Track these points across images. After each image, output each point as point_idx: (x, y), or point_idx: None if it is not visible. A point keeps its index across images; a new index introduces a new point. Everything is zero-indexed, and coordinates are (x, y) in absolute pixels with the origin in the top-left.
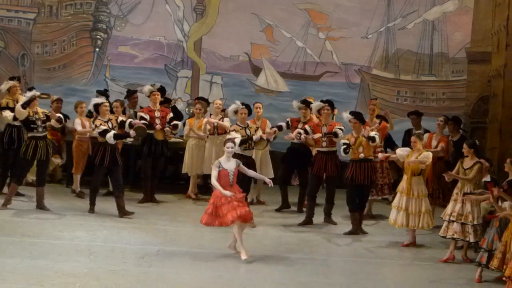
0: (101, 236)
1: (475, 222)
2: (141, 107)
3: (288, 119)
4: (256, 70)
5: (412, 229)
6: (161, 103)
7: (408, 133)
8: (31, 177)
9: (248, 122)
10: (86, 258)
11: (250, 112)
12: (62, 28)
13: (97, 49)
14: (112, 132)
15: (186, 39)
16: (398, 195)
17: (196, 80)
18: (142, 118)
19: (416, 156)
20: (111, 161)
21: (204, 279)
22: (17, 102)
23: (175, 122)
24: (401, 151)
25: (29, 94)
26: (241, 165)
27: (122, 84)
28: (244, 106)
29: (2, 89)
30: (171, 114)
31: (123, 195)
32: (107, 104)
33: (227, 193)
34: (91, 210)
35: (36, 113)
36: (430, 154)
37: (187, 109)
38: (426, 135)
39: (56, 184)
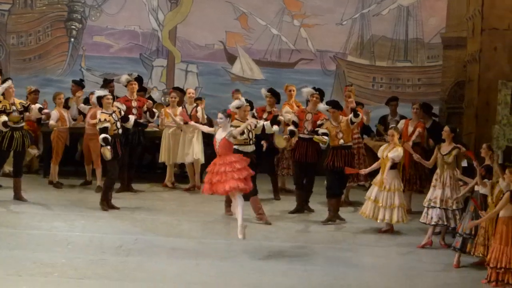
0: (79, 226)
1: (455, 207)
2: (117, 97)
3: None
4: (231, 58)
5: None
6: (137, 91)
7: (383, 119)
8: (7, 167)
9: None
10: (64, 248)
11: (252, 108)
12: (37, 19)
13: (72, 39)
14: (104, 135)
15: (161, 28)
16: (372, 186)
17: (171, 69)
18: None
19: (389, 150)
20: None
21: (182, 268)
22: None
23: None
24: (379, 152)
25: (5, 85)
26: (232, 132)
27: (97, 74)
28: (247, 103)
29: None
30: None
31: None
32: (110, 96)
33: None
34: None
35: (13, 104)
36: (400, 152)
37: (162, 98)
38: (402, 122)
39: (33, 174)
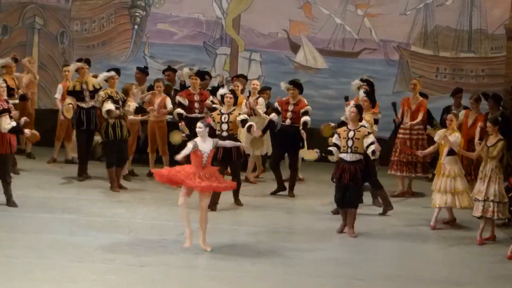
0: (140, 213)
1: (497, 200)
2: (177, 90)
3: (277, 103)
4: (295, 47)
5: (449, 206)
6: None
7: (446, 110)
8: (72, 154)
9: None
10: (125, 235)
11: (236, 101)
12: (101, 6)
13: (136, 27)
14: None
15: (224, 16)
16: (443, 178)
17: (234, 57)
18: (179, 103)
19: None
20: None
21: (242, 256)
22: (86, 84)
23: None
24: (437, 136)
25: (109, 74)
26: (219, 142)
27: (161, 61)
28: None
29: (71, 69)
30: (211, 98)
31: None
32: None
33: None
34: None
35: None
36: (458, 138)
37: (226, 87)
38: (463, 112)
39: (96, 161)
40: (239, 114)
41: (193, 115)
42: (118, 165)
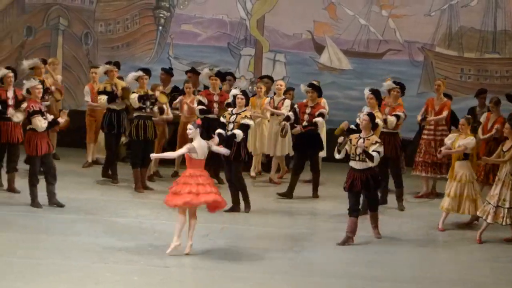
0: (165, 215)
1: (507, 205)
2: (199, 90)
3: (296, 105)
4: (319, 48)
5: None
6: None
7: (471, 111)
8: (97, 155)
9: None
10: (150, 236)
11: (247, 102)
12: (125, 7)
13: (160, 28)
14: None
15: (249, 17)
16: (454, 183)
17: (259, 58)
18: (200, 102)
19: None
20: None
21: (271, 257)
22: (115, 86)
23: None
24: (448, 140)
25: (137, 74)
26: (213, 146)
27: (185, 62)
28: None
29: (100, 72)
30: (230, 99)
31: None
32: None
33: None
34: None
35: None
36: (473, 141)
37: (250, 87)
38: (484, 115)
39: (120, 162)
40: (245, 116)
41: (211, 115)
42: (143, 166)
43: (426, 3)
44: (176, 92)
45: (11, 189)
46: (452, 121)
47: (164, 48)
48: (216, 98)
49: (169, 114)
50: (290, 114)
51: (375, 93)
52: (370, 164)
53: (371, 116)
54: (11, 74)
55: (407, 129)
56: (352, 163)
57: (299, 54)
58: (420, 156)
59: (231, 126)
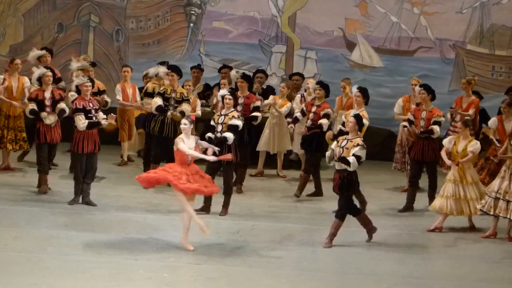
0: (196, 211)
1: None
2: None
3: (303, 105)
4: (351, 45)
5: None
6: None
7: (484, 112)
8: (128, 152)
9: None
10: (180, 233)
11: (236, 103)
12: (156, 4)
13: (191, 25)
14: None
15: (280, 14)
16: (447, 184)
17: (290, 55)
18: None
19: (465, 144)
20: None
21: (300, 254)
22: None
23: (255, 114)
24: (449, 143)
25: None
26: (199, 141)
27: (216, 59)
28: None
29: (152, 73)
30: (257, 103)
31: None
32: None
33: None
34: None
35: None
36: (478, 145)
37: (282, 84)
38: (494, 120)
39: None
40: (233, 117)
41: None
42: (168, 161)
43: (457, 1)
44: (208, 90)
45: (43, 188)
46: (482, 118)
47: (195, 45)
48: (241, 100)
49: (196, 112)
50: (298, 114)
51: (363, 91)
52: (348, 168)
53: (357, 117)
54: (50, 74)
55: None
56: (336, 164)
57: (330, 51)
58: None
59: (220, 127)
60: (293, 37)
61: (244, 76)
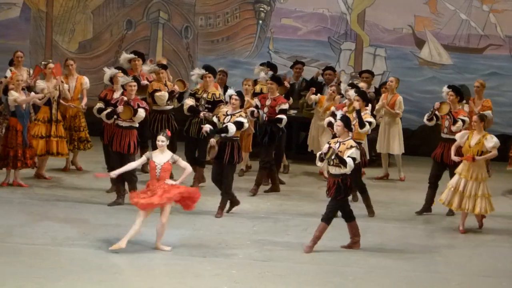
0: (264, 208)
1: None
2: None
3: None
4: (420, 43)
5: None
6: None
7: None
8: None
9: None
10: (249, 230)
11: (243, 103)
12: (225, 1)
13: (260, 22)
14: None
15: (349, 11)
16: (456, 176)
17: (359, 52)
18: (256, 106)
19: (479, 139)
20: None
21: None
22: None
23: (280, 116)
24: (461, 138)
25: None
26: (180, 161)
27: (285, 56)
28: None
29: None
30: (283, 106)
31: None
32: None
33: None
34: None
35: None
36: (496, 140)
37: (350, 81)
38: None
39: None
40: (240, 116)
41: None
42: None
43: None
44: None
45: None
46: None
47: (264, 42)
48: (268, 102)
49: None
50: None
51: (362, 94)
52: (343, 170)
53: (344, 120)
54: (121, 75)
55: (506, 124)
56: (329, 167)
57: (399, 49)
58: None
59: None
60: (362, 35)
61: (274, 78)
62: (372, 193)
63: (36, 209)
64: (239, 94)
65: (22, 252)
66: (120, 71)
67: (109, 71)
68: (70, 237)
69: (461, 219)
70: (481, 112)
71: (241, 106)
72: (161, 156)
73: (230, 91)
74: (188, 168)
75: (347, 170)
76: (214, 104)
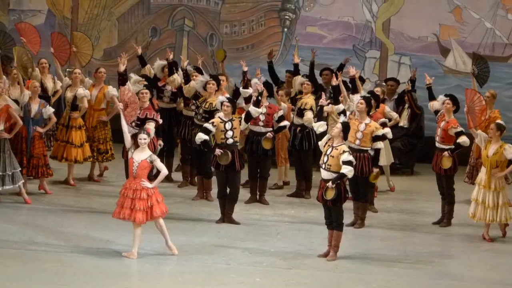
0: (288, 216)
1: None
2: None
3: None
4: (445, 51)
5: (489, 223)
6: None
7: None
8: None
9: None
10: (273, 238)
11: (234, 110)
12: (250, 8)
13: (286, 30)
14: None
15: (374, 19)
16: (476, 187)
17: (384, 60)
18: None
19: (496, 149)
20: None
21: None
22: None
23: (283, 124)
24: (480, 142)
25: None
26: (157, 162)
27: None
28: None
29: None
30: (280, 112)
31: None
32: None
33: None
34: None
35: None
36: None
37: (375, 90)
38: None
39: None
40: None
41: (256, 128)
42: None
43: None
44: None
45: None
46: None
47: (289, 50)
48: (264, 110)
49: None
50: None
51: (366, 99)
52: (348, 176)
53: (344, 125)
54: (147, 91)
55: None
56: (322, 172)
57: (424, 57)
58: None
59: (230, 133)
60: (387, 43)
61: (265, 84)
62: (396, 202)
63: (60, 216)
64: (230, 101)
65: (46, 260)
66: (145, 87)
67: (133, 78)
68: (94, 244)
69: (485, 228)
70: (498, 121)
71: (233, 112)
72: (140, 154)
73: (222, 98)
74: (164, 170)
75: (350, 175)
76: (210, 114)
